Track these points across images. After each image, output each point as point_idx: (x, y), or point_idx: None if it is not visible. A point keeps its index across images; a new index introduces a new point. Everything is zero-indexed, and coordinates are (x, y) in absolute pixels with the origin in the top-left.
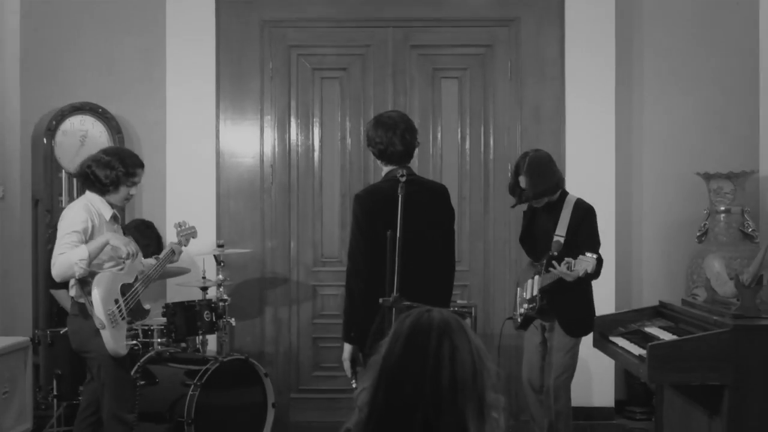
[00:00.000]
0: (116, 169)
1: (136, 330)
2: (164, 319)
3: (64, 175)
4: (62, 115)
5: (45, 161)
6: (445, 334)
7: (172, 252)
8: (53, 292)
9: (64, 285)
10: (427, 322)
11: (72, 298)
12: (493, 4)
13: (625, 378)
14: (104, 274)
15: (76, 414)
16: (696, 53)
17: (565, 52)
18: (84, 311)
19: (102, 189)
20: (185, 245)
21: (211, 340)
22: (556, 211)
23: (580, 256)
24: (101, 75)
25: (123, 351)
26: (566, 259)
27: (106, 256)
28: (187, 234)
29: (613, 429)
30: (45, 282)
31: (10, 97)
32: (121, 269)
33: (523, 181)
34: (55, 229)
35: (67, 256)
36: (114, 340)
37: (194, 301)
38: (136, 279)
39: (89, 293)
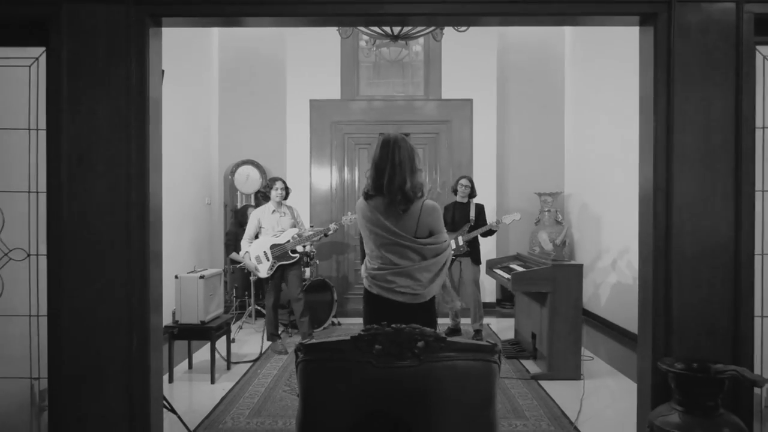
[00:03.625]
0: (264, 188)
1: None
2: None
3: (239, 193)
4: (237, 165)
5: (230, 187)
6: (396, 142)
7: (323, 233)
8: (231, 256)
9: (233, 251)
10: (388, 137)
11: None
12: (439, 113)
13: (501, 289)
14: (258, 240)
15: (245, 306)
16: (535, 128)
17: (473, 135)
18: None
19: (265, 198)
20: (333, 231)
21: (307, 271)
22: (466, 207)
23: (505, 215)
24: (256, 143)
25: (264, 275)
26: (497, 218)
27: (269, 229)
28: (346, 223)
29: (495, 313)
30: (225, 249)
31: (213, 156)
32: (275, 235)
33: (466, 182)
34: (235, 219)
35: (243, 246)
36: (258, 271)
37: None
38: (289, 241)
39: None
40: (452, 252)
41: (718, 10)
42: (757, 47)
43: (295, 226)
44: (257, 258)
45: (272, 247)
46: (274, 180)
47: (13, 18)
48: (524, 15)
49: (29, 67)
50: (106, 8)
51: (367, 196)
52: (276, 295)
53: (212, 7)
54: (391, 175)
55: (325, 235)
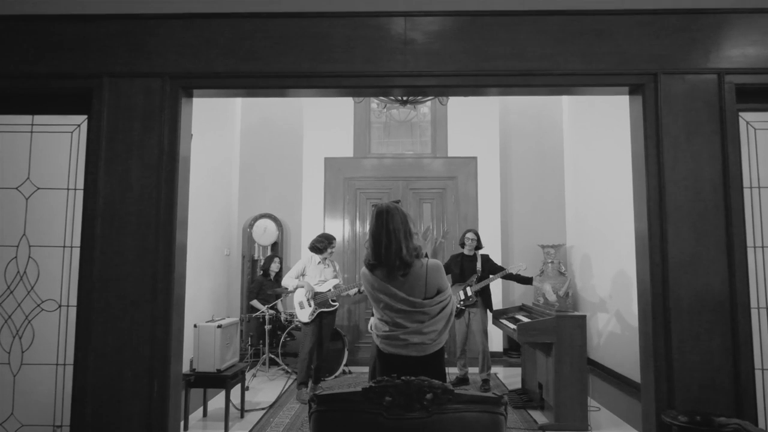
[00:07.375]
0: (319, 243)
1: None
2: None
3: (256, 245)
4: (255, 218)
5: (248, 239)
6: (389, 211)
7: (359, 290)
8: (251, 302)
9: (255, 298)
10: (381, 208)
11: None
12: (446, 170)
13: (507, 338)
14: (303, 285)
15: (259, 354)
16: (537, 183)
17: (478, 190)
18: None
19: (315, 251)
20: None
21: None
22: (473, 259)
23: (511, 266)
24: (273, 198)
25: (305, 320)
26: (514, 265)
27: (313, 277)
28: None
29: (502, 362)
30: (247, 295)
31: (233, 209)
32: (317, 284)
33: (473, 236)
34: (252, 271)
35: (285, 281)
36: (300, 315)
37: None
38: (330, 290)
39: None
40: (458, 302)
41: (701, 81)
42: (740, 113)
43: (336, 278)
44: (300, 303)
45: (315, 294)
46: (333, 239)
47: (61, 90)
48: (523, 86)
49: (71, 133)
50: (144, 82)
51: (370, 266)
52: (314, 341)
53: (238, 80)
54: (387, 244)
55: (359, 291)
